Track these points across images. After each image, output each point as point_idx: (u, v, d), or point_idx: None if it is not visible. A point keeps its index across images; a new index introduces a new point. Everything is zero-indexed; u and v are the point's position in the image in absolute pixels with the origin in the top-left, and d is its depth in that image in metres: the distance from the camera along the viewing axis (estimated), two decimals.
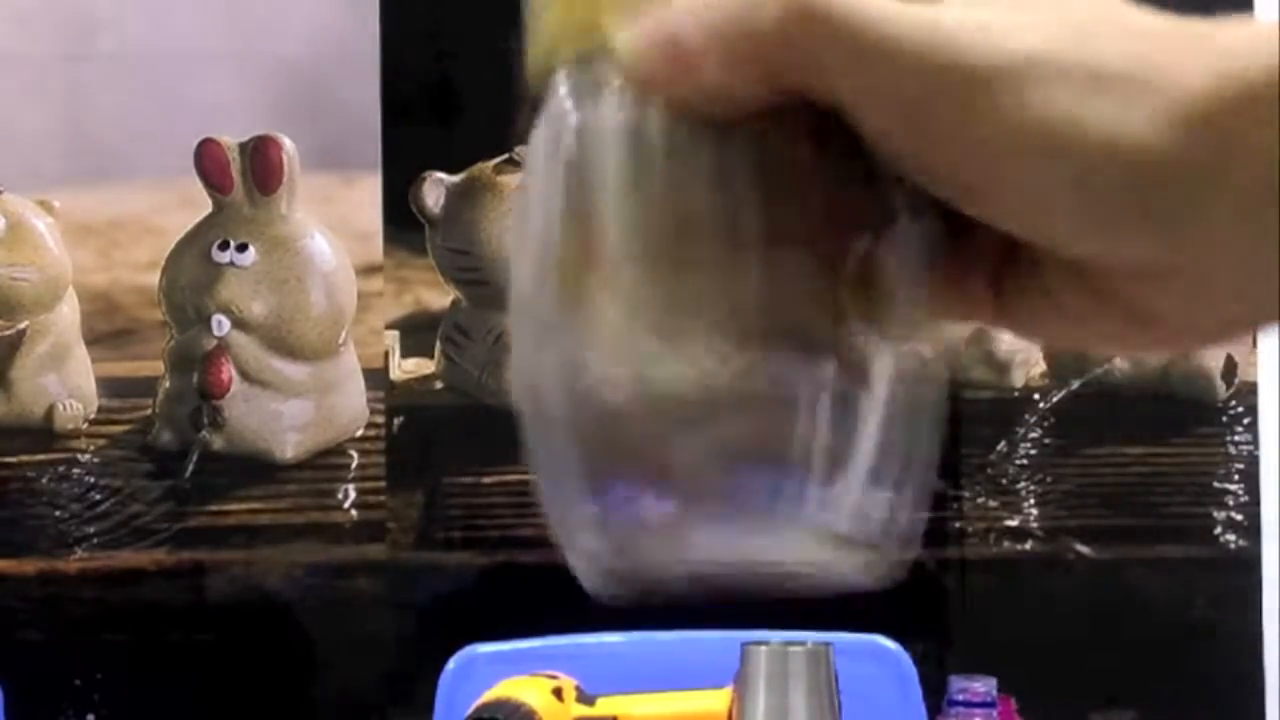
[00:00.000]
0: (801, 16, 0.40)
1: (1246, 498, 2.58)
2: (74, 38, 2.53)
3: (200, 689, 2.48)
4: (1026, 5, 0.41)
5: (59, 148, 2.54)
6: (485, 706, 1.29)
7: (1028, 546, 2.57)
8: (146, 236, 2.52)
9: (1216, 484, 2.59)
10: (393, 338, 2.53)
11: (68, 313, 2.50)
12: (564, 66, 0.44)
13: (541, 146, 0.43)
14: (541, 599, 2.52)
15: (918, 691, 1.84)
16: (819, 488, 0.42)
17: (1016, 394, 2.57)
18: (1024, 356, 2.55)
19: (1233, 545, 2.58)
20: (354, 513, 2.52)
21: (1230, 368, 2.56)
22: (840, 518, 0.42)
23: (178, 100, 2.53)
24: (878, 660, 1.83)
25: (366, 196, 2.53)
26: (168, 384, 2.50)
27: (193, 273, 2.49)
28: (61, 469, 2.50)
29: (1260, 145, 0.38)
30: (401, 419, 2.53)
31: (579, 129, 0.43)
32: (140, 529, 2.50)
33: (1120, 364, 2.55)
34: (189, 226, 2.50)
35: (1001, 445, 2.57)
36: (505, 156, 2.48)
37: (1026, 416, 2.57)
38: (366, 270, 2.53)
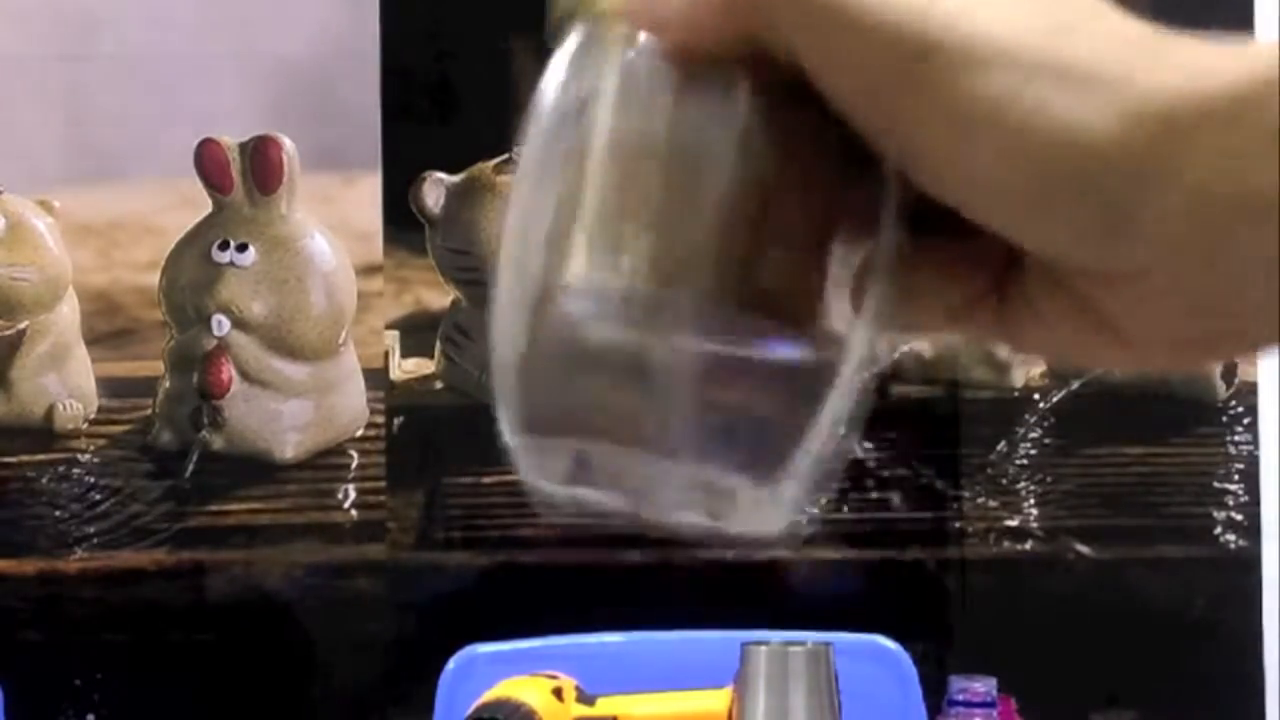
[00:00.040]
0: None
1: (1246, 498, 2.58)
2: (74, 38, 2.53)
3: (200, 689, 2.49)
4: None
5: (59, 148, 2.54)
6: (485, 706, 1.29)
7: (1028, 546, 2.57)
8: (146, 236, 2.52)
9: (1216, 484, 2.59)
10: (393, 338, 2.54)
11: (68, 313, 2.50)
12: (571, 28, 0.44)
13: (544, 99, 0.44)
14: (541, 599, 2.53)
15: (918, 691, 1.84)
16: (762, 465, 0.42)
17: (1016, 394, 2.57)
18: (1024, 356, 2.55)
19: (1233, 545, 2.58)
20: (354, 513, 2.52)
21: (1230, 368, 2.56)
22: (772, 500, 0.43)
23: (178, 100, 2.53)
24: (878, 660, 1.83)
25: (366, 196, 2.53)
26: (168, 384, 2.50)
27: (193, 273, 2.49)
28: (61, 469, 2.50)
29: (1216, 149, 0.38)
30: (401, 419, 2.53)
31: (579, 86, 0.44)
32: (140, 529, 2.50)
33: None
34: (189, 226, 2.50)
35: (1001, 445, 2.57)
36: (505, 156, 2.48)
37: (1026, 416, 2.57)
38: (366, 270, 2.53)
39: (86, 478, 2.50)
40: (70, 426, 2.50)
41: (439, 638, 1.98)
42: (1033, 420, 2.58)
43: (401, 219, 2.51)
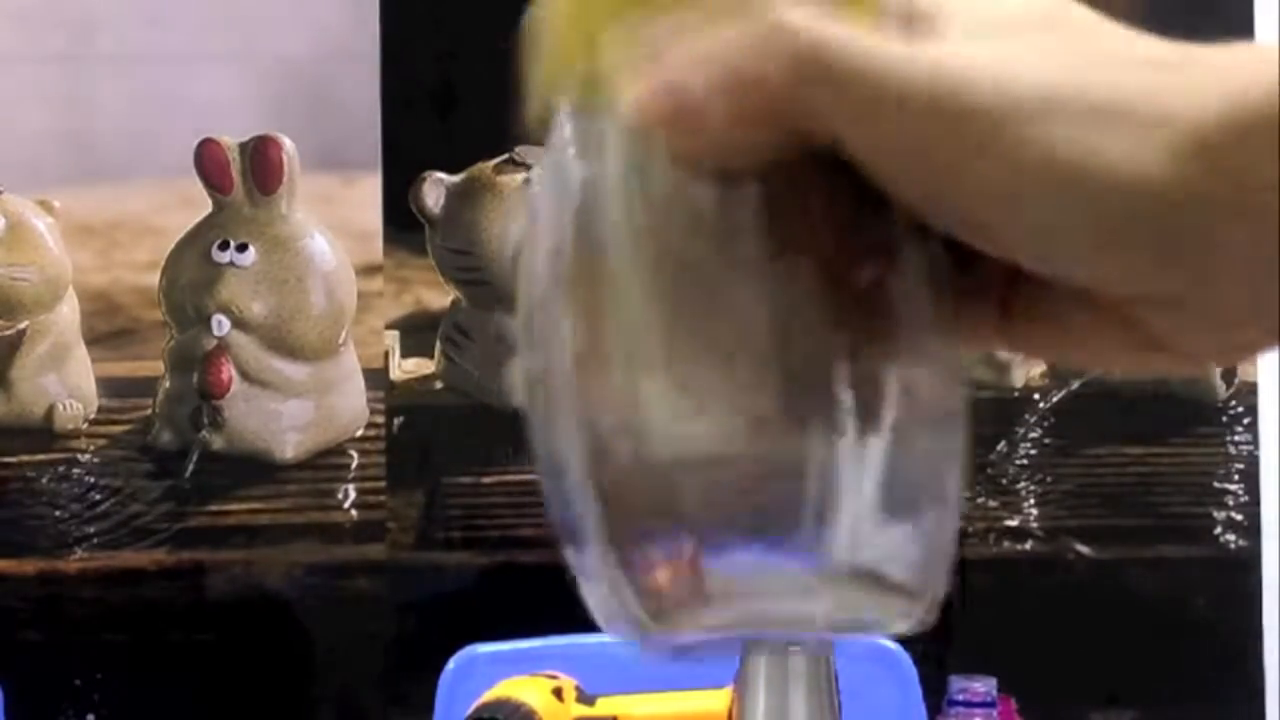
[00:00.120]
0: (811, 66, 0.40)
1: (1246, 498, 2.58)
2: (74, 38, 2.53)
3: (200, 689, 2.49)
4: (1026, 34, 0.41)
5: (59, 148, 2.54)
6: (485, 706, 1.29)
7: (1028, 546, 2.57)
8: (146, 236, 2.52)
9: (1216, 484, 2.59)
10: (393, 338, 2.54)
11: (68, 313, 2.50)
12: (567, 110, 0.43)
13: (546, 196, 0.43)
14: (541, 599, 2.52)
15: (918, 691, 1.84)
16: (842, 531, 0.41)
17: (1016, 394, 2.57)
18: (1027, 358, 2.55)
19: (1233, 545, 2.58)
20: (354, 513, 2.52)
21: (1230, 368, 2.56)
22: (863, 556, 0.42)
23: (178, 100, 2.53)
24: (878, 660, 1.83)
25: (366, 196, 2.53)
26: (168, 384, 2.50)
27: (193, 273, 2.49)
28: (61, 469, 2.50)
29: (1269, 171, 0.38)
30: (401, 419, 2.53)
31: (584, 182, 0.42)
32: (140, 529, 2.50)
33: None
34: (189, 226, 2.50)
35: (1001, 445, 2.57)
36: (505, 156, 2.48)
37: (1026, 416, 2.57)
38: (366, 270, 2.53)
39: (86, 478, 2.50)
40: (70, 426, 2.50)
41: (439, 638, 1.98)
42: (1033, 420, 2.58)
43: (401, 219, 2.51)
